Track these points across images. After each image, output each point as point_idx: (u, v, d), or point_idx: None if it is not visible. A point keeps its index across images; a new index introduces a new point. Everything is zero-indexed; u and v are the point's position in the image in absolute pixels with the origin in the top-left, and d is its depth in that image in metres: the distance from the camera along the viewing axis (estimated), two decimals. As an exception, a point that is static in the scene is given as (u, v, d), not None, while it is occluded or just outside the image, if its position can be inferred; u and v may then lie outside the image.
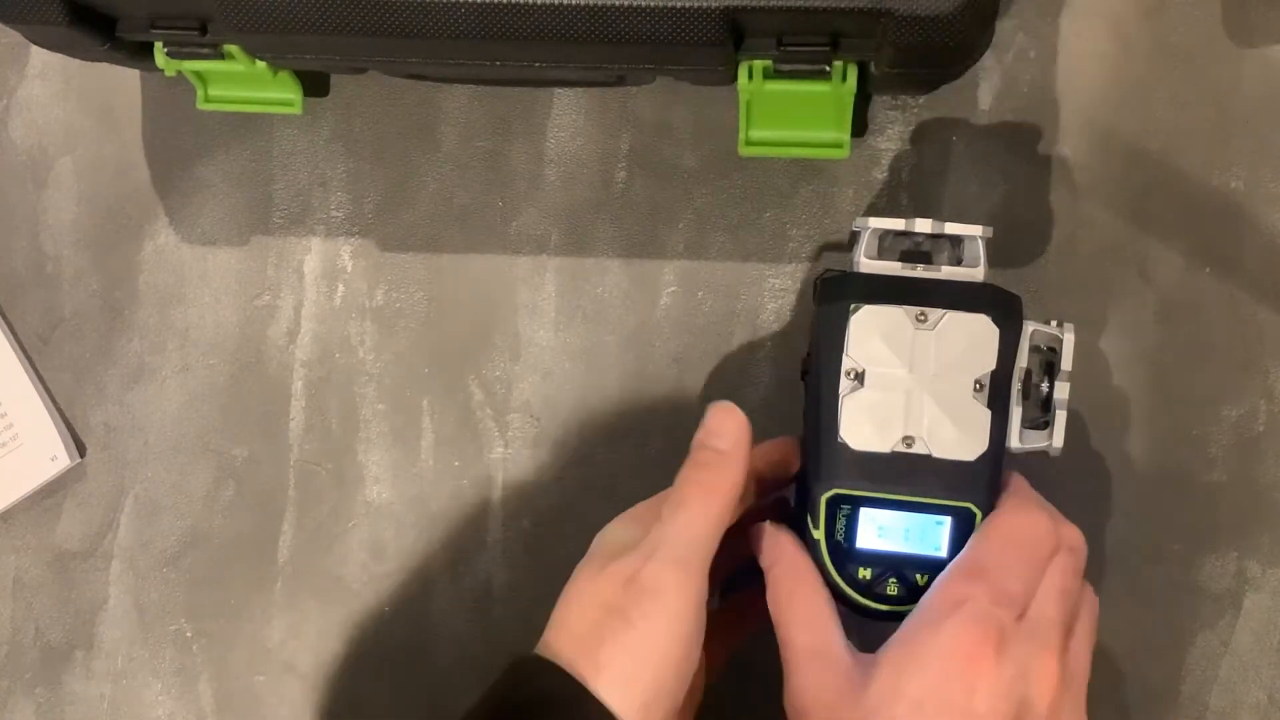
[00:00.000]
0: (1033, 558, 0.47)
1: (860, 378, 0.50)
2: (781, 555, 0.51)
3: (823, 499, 0.50)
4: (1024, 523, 0.48)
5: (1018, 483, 0.50)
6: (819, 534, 0.50)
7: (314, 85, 0.63)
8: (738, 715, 0.58)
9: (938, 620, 0.45)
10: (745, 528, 0.53)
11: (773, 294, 0.61)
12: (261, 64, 0.58)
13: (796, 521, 0.52)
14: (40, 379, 0.66)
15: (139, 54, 0.58)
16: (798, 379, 0.54)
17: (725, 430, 0.50)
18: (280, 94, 0.62)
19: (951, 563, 0.48)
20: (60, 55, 0.61)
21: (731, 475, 0.49)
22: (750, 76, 0.54)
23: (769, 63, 0.53)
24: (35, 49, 0.65)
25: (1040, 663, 0.45)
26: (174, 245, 0.65)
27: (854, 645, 0.49)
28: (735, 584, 0.55)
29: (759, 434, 0.51)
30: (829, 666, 0.47)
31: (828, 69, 0.53)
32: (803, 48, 0.52)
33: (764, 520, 0.53)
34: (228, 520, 0.65)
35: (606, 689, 0.46)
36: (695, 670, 0.49)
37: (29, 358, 0.66)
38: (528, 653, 0.48)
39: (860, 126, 0.61)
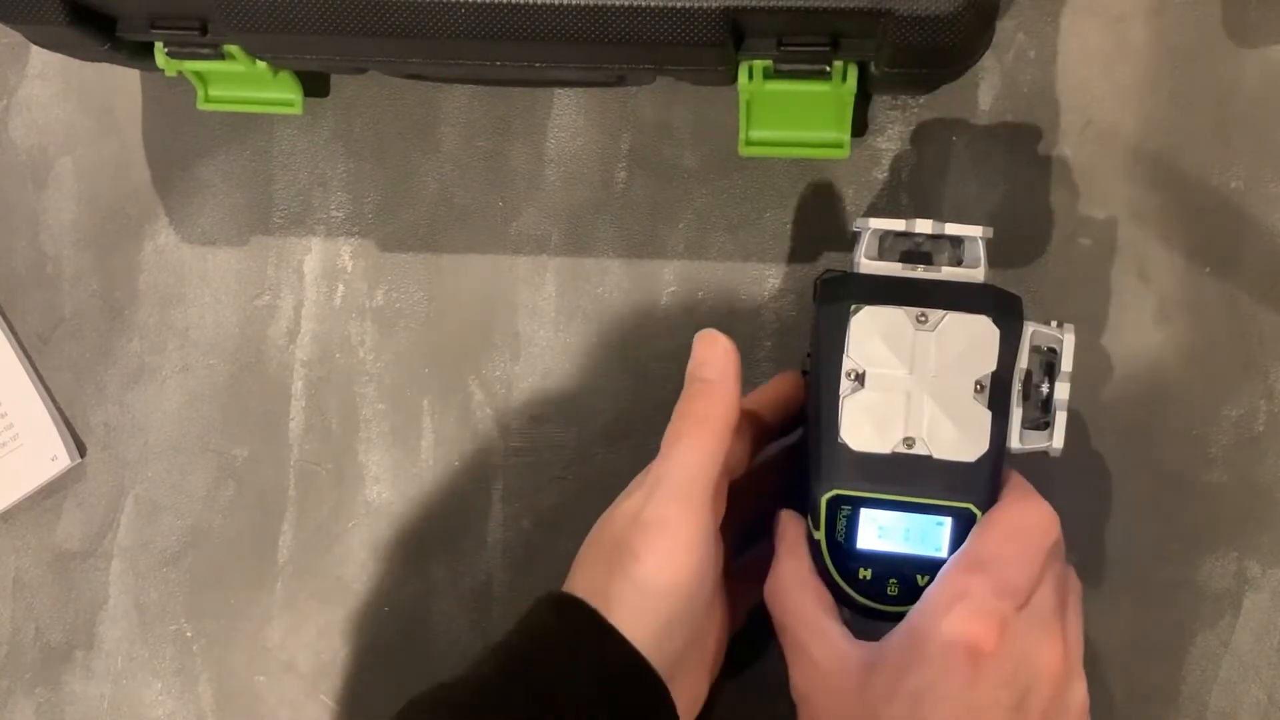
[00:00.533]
0: (1034, 548, 0.47)
1: (861, 379, 0.50)
2: (780, 544, 0.51)
3: (823, 499, 0.50)
4: (1025, 513, 0.48)
5: (1016, 479, 0.50)
6: (820, 534, 0.50)
7: (314, 85, 0.63)
8: (745, 700, 0.58)
9: (940, 613, 0.46)
10: (757, 478, 0.54)
11: (773, 294, 0.61)
12: (261, 64, 0.58)
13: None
14: (40, 379, 0.66)
15: (139, 54, 0.58)
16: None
17: (712, 359, 0.51)
18: (280, 94, 0.62)
19: (954, 555, 0.48)
20: (60, 55, 0.61)
21: (722, 403, 0.50)
22: (750, 76, 0.54)
23: (769, 63, 0.54)
24: (35, 49, 0.65)
25: (1044, 650, 0.46)
26: (174, 245, 0.65)
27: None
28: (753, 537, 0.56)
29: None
30: (830, 656, 0.48)
31: (828, 69, 0.53)
32: (803, 48, 0.52)
33: (773, 474, 0.54)
34: (228, 520, 0.65)
35: (619, 622, 0.47)
36: (710, 604, 0.51)
37: (29, 358, 0.66)
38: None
39: (860, 126, 0.61)
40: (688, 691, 0.51)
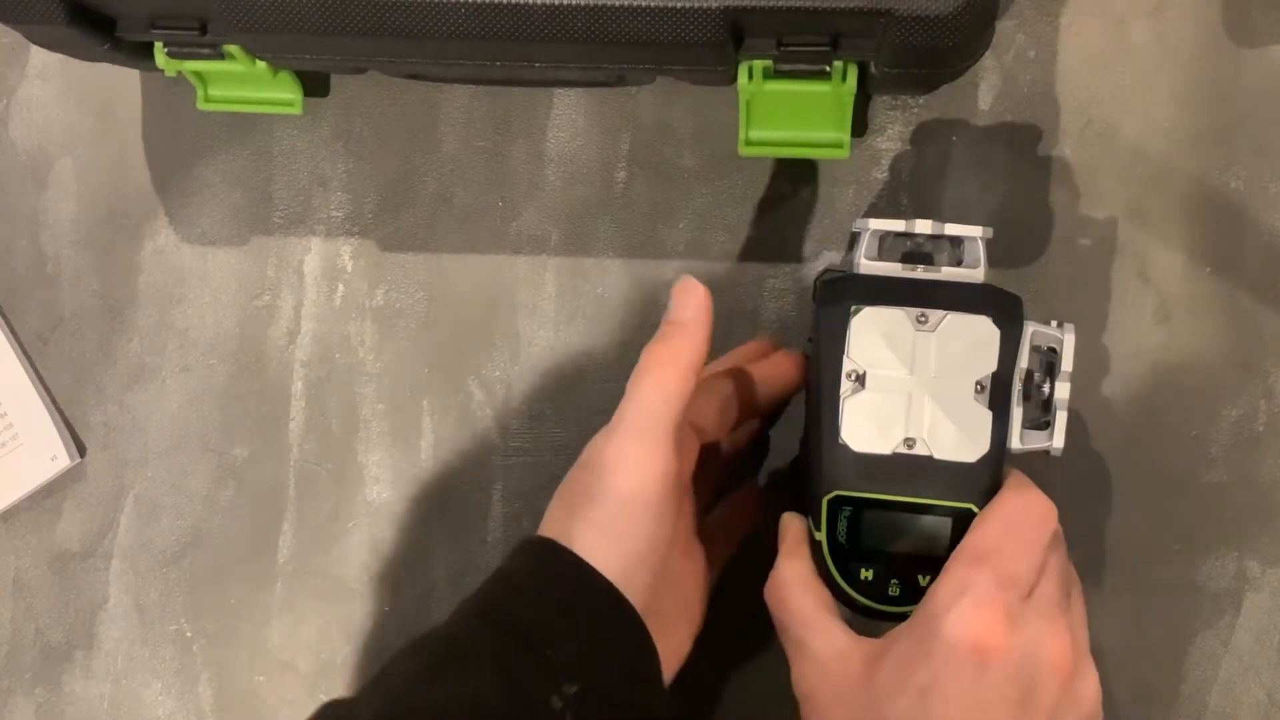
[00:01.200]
0: (1034, 538, 0.47)
1: (861, 379, 0.50)
2: (780, 545, 0.51)
3: (824, 500, 0.50)
4: (1023, 504, 0.48)
5: (1015, 474, 0.50)
6: (821, 535, 0.50)
7: (314, 85, 0.63)
8: (747, 696, 0.58)
9: (945, 607, 0.46)
10: (735, 447, 0.55)
11: (773, 294, 0.61)
12: (261, 64, 0.58)
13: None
14: (40, 379, 0.66)
15: (139, 54, 0.58)
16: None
17: (687, 303, 0.51)
18: (280, 94, 0.61)
19: (956, 549, 0.48)
20: (60, 55, 0.61)
21: (690, 344, 0.50)
22: (750, 76, 0.54)
23: (769, 63, 0.54)
24: (35, 49, 0.65)
25: (1050, 641, 0.46)
26: (174, 245, 0.65)
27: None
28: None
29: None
30: (832, 654, 0.48)
31: (828, 69, 0.53)
32: (803, 48, 0.52)
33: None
34: (228, 520, 0.65)
35: (585, 557, 0.47)
36: (683, 551, 0.52)
37: (29, 358, 0.66)
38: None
39: (860, 126, 0.61)
40: (669, 638, 0.51)
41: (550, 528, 0.49)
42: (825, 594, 0.50)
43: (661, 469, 0.48)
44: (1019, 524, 0.47)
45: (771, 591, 0.51)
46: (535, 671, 0.46)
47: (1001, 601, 0.45)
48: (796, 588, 0.50)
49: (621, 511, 0.48)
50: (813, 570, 0.50)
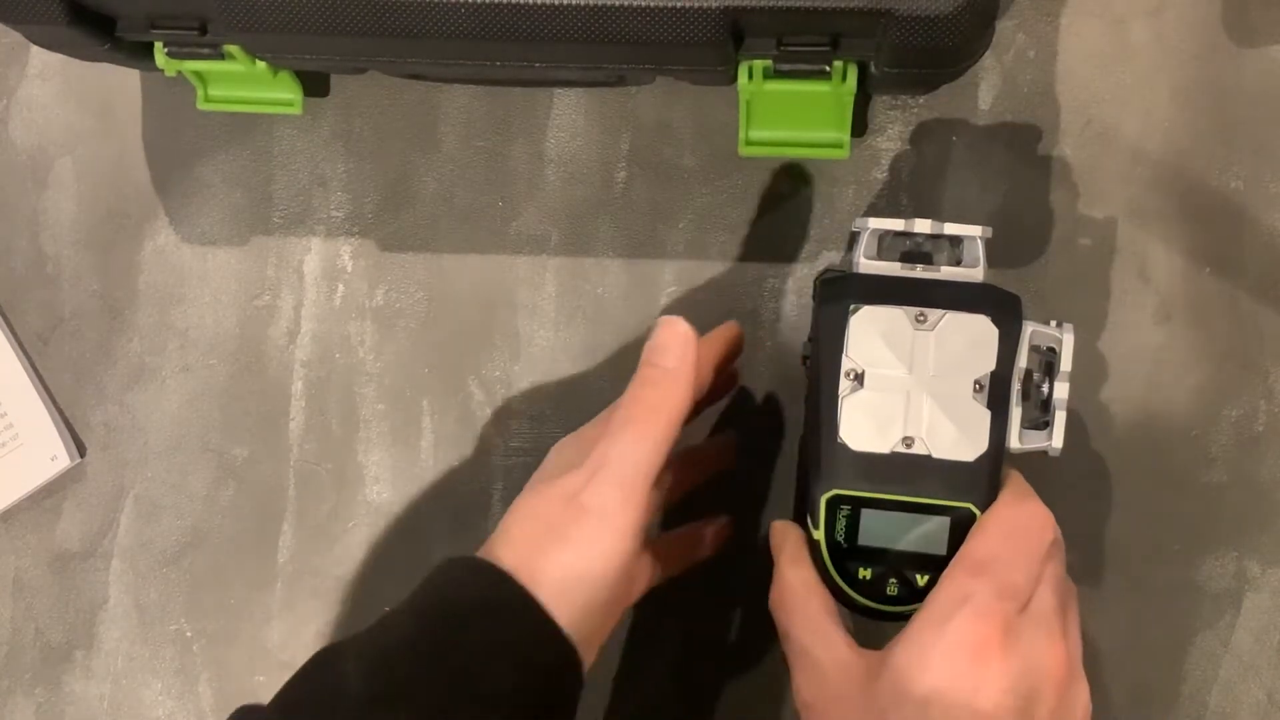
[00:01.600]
0: (1033, 548, 0.47)
1: (860, 378, 0.50)
2: (780, 554, 0.51)
3: (823, 499, 0.50)
4: (1022, 513, 0.48)
5: (1015, 478, 0.50)
6: (819, 534, 0.50)
7: (314, 85, 0.63)
8: (753, 702, 0.58)
9: (943, 618, 0.46)
10: (693, 452, 0.55)
11: (773, 294, 0.61)
12: (261, 64, 0.58)
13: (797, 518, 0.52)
14: (40, 379, 0.66)
15: (139, 54, 0.58)
16: (798, 380, 0.54)
17: (670, 346, 0.50)
18: (280, 94, 0.62)
19: (954, 558, 0.48)
20: (60, 55, 0.61)
21: (676, 394, 0.50)
22: (750, 76, 0.54)
23: (769, 63, 0.53)
24: (35, 49, 0.65)
25: (1048, 652, 0.46)
26: (174, 245, 0.65)
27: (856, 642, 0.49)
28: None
29: (762, 436, 0.51)
30: (835, 664, 0.48)
31: (828, 69, 0.53)
32: (803, 48, 0.52)
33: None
34: (228, 520, 0.65)
35: (545, 600, 0.47)
36: (628, 584, 0.50)
37: (29, 358, 0.66)
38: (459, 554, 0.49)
39: (860, 126, 0.61)
40: (586, 659, 0.51)
41: (511, 556, 0.48)
42: (830, 601, 0.50)
43: (636, 522, 0.48)
44: (1018, 532, 0.47)
45: (776, 599, 0.50)
46: (467, 706, 0.45)
47: (999, 612, 0.45)
48: (800, 594, 0.50)
49: (593, 562, 0.48)
50: (815, 576, 0.50)
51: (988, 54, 0.58)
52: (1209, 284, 0.59)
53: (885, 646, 0.47)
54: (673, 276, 0.62)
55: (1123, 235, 0.59)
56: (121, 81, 0.65)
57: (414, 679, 0.46)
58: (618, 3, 0.50)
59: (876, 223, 0.52)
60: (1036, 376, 0.50)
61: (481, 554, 0.49)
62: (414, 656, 0.47)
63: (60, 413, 0.66)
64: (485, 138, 0.63)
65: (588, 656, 0.49)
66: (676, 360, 0.50)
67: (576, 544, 0.48)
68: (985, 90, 0.60)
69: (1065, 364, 0.50)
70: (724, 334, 0.56)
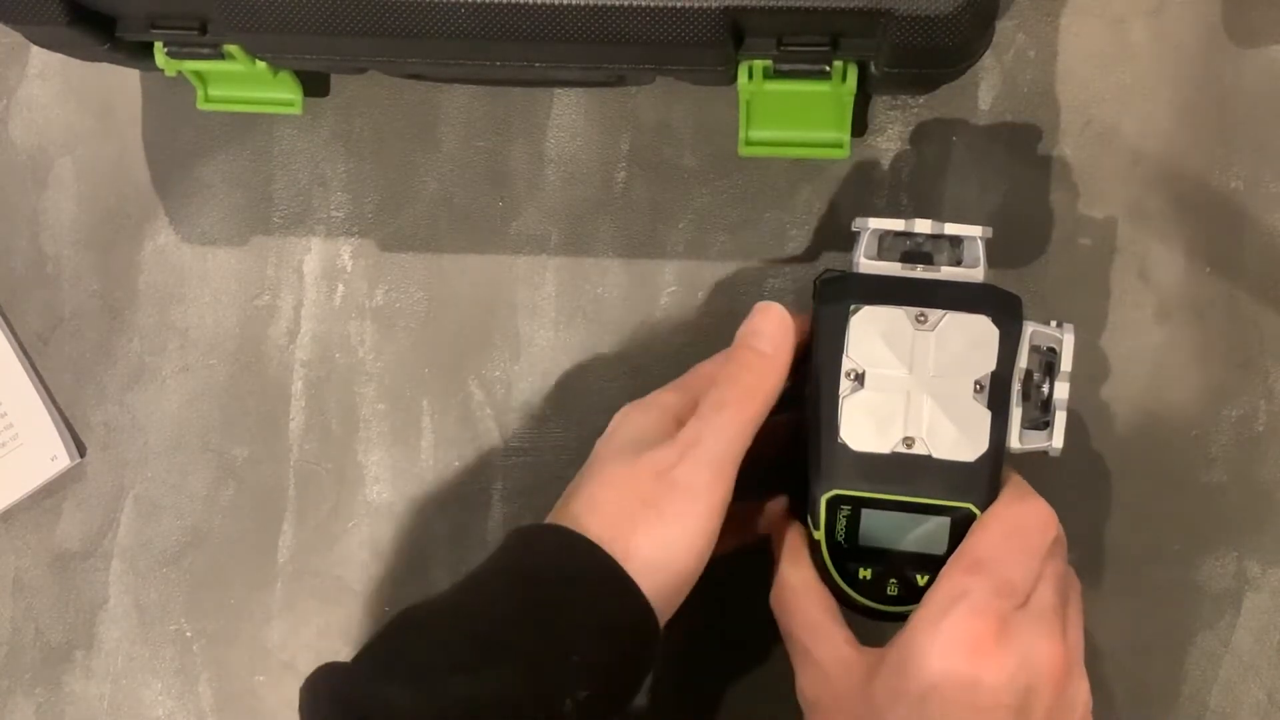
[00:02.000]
0: (1032, 546, 0.47)
1: (860, 379, 0.50)
2: (782, 553, 0.51)
3: (823, 499, 0.50)
4: (1023, 512, 0.48)
5: (1015, 479, 0.50)
6: (819, 534, 0.50)
7: (314, 85, 0.63)
8: (754, 701, 0.58)
9: (940, 614, 0.46)
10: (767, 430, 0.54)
11: (773, 294, 0.61)
12: (261, 64, 0.58)
13: (798, 512, 0.52)
14: (40, 379, 0.66)
15: (139, 54, 0.58)
16: (798, 379, 0.54)
17: (767, 330, 0.51)
18: (280, 94, 0.61)
19: (953, 555, 0.48)
20: (60, 55, 0.61)
21: (772, 380, 0.50)
22: (750, 76, 0.54)
23: (769, 63, 0.53)
24: (35, 49, 0.65)
25: (1045, 649, 0.46)
26: (174, 245, 0.65)
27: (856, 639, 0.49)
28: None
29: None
30: (836, 663, 0.48)
31: (828, 69, 0.53)
32: (803, 48, 0.52)
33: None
34: (228, 520, 0.65)
35: (635, 574, 0.47)
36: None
37: (29, 358, 0.66)
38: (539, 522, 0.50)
39: (860, 126, 0.61)
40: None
41: (598, 520, 0.48)
42: (830, 600, 0.50)
43: (724, 501, 0.49)
44: (1017, 531, 0.48)
45: (777, 598, 0.51)
46: (560, 675, 0.46)
47: (996, 609, 0.45)
48: (801, 593, 0.50)
49: (681, 538, 0.48)
50: (816, 576, 0.50)
51: (988, 54, 0.58)
52: (1209, 284, 0.59)
53: (887, 644, 0.47)
54: (673, 276, 0.62)
55: (1123, 235, 0.59)
56: (121, 81, 0.65)
57: (507, 645, 0.46)
58: (618, 3, 0.50)
59: (876, 223, 0.52)
60: (1037, 376, 0.50)
61: (567, 521, 0.49)
62: (507, 623, 0.47)
63: (60, 413, 0.66)
64: (485, 138, 0.63)
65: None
66: (774, 346, 0.50)
67: (669, 521, 0.48)
68: (985, 90, 0.60)
69: (1065, 364, 0.50)
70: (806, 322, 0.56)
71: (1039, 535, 0.48)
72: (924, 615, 0.46)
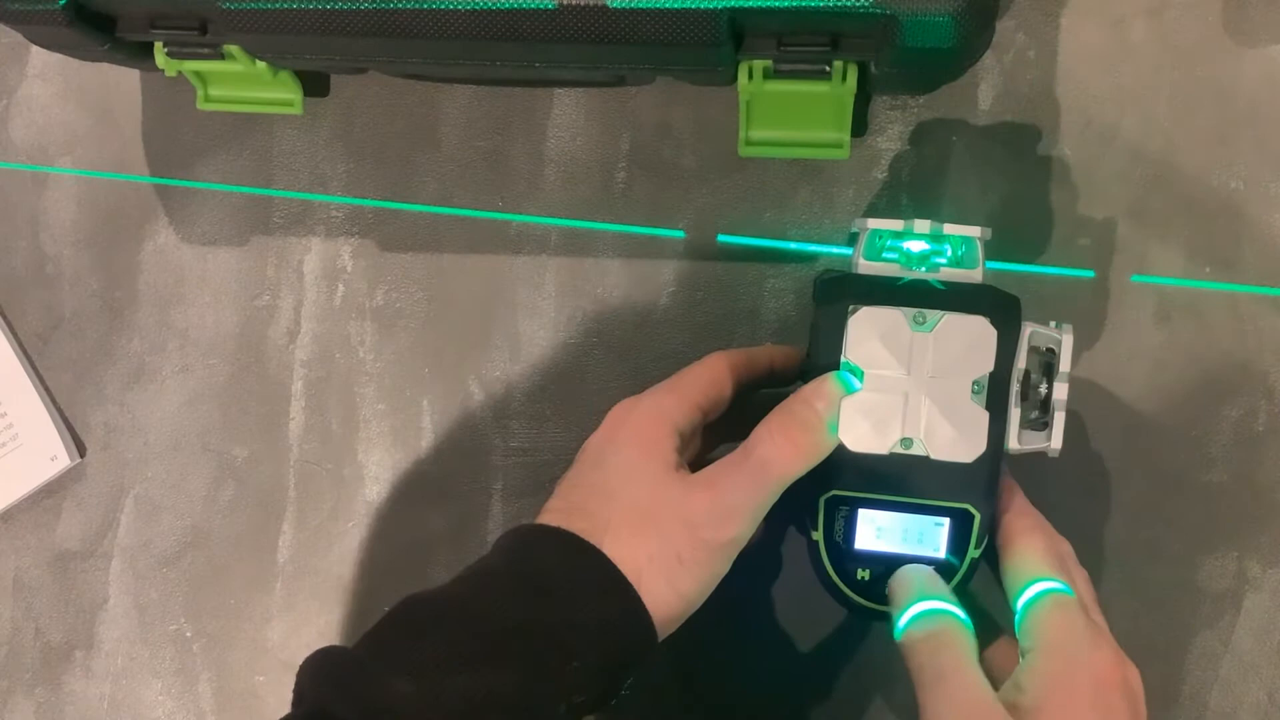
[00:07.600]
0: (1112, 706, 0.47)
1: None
2: (932, 624, 0.47)
3: (821, 500, 0.50)
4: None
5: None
6: (818, 535, 0.50)
7: (314, 85, 0.63)
8: (751, 705, 0.58)
9: (1082, 650, 0.47)
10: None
11: (773, 294, 0.61)
12: (261, 64, 0.58)
13: (798, 523, 0.52)
14: (40, 379, 0.66)
15: (139, 54, 0.58)
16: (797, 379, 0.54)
17: (828, 399, 0.50)
18: (280, 94, 0.62)
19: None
20: (60, 55, 0.61)
21: (820, 446, 0.49)
22: (750, 76, 0.54)
23: (769, 63, 0.53)
24: (35, 49, 0.65)
25: (1104, 649, 0.47)
26: (174, 245, 0.65)
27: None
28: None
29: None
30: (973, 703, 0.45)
31: (828, 69, 0.53)
32: (803, 48, 0.52)
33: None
34: (228, 520, 0.65)
35: (643, 594, 0.47)
36: None
37: (29, 358, 0.66)
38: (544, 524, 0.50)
39: (860, 126, 0.61)
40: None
41: (629, 550, 0.48)
42: (980, 678, 0.46)
43: (744, 544, 0.49)
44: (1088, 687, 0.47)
45: (918, 667, 0.47)
46: (558, 680, 0.46)
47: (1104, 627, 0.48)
48: (950, 667, 0.47)
49: (697, 585, 0.48)
50: (987, 690, 0.46)
51: (988, 54, 0.58)
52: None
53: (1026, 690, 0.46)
54: (673, 276, 0.62)
55: (1123, 235, 0.59)
56: (121, 81, 0.65)
57: (511, 648, 0.46)
58: (618, 3, 0.50)
59: (876, 223, 0.51)
60: (1035, 377, 0.50)
61: (578, 527, 0.49)
62: (512, 626, 0.47)
63: (60, 412, 0.66)
64: (485, 138, 0.63)
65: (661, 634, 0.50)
66: (825, 416, 0.49)
67: (688, 567, 0.48)
68: (985, 90, 0.60)
69: (1064, 364, 0.50)
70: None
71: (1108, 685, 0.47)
72: (1050, 648, 0.47)
